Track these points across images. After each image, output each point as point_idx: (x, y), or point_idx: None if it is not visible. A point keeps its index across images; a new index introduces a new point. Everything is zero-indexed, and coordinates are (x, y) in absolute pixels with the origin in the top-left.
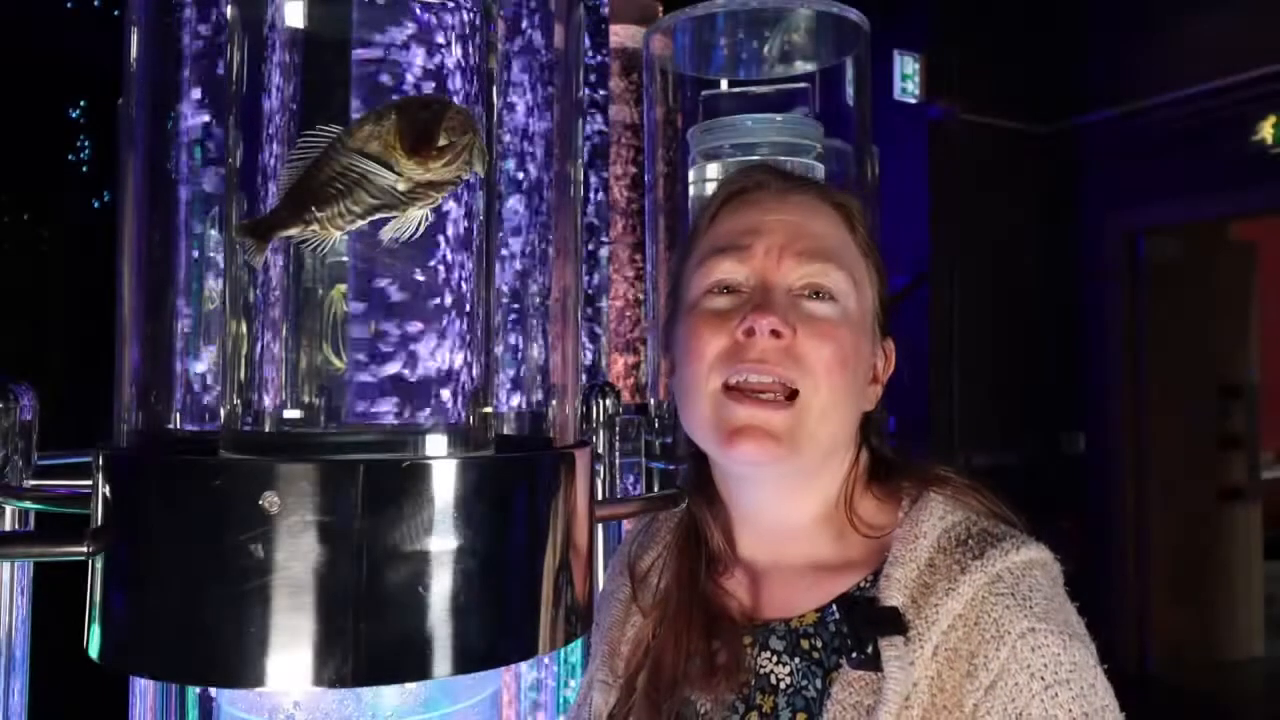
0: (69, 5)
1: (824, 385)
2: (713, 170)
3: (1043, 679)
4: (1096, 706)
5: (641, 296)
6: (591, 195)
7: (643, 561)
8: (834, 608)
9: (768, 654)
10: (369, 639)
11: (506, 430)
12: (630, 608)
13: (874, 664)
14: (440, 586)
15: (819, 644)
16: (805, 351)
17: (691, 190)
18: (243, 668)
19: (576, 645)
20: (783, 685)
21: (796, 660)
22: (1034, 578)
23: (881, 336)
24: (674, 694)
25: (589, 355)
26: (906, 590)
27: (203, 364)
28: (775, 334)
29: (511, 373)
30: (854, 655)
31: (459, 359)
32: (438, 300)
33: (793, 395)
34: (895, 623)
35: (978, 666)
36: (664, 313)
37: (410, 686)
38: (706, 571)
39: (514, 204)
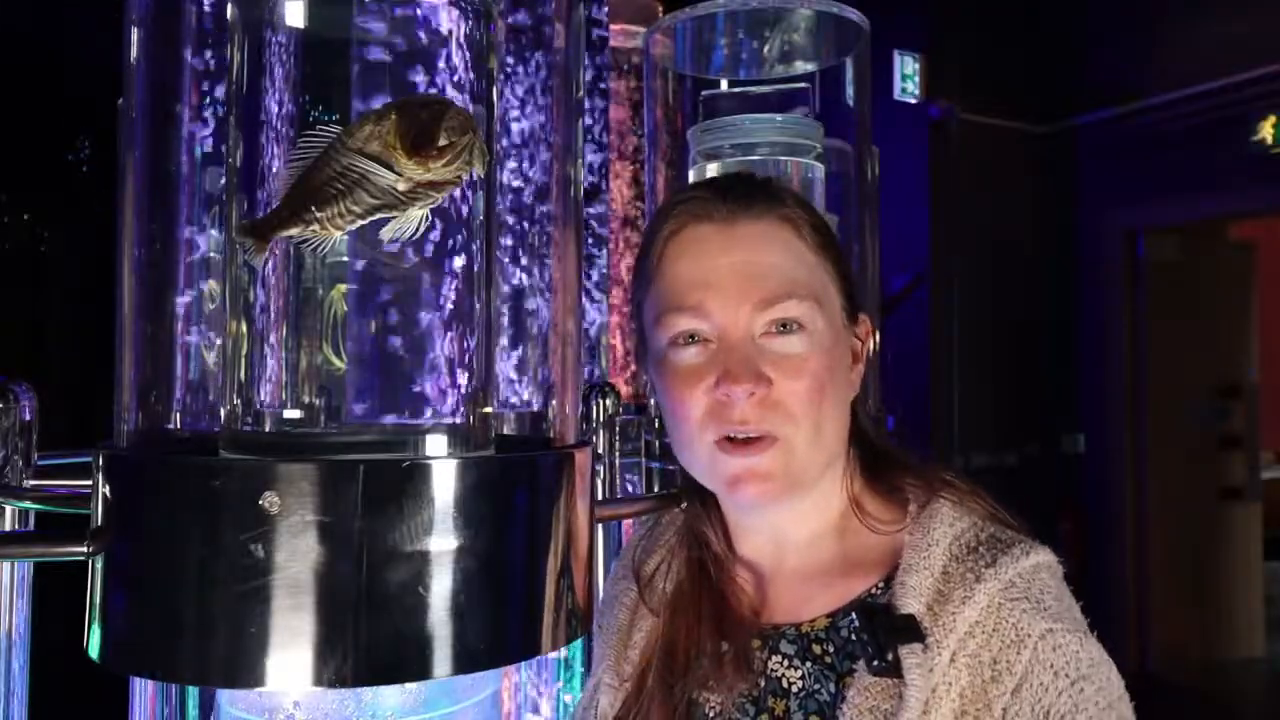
0: (69, 4)
1: (805, 423)
2: (713, 170)
3: (1067, 676)
4: (1115, 697)
5: None
6: (591, 195)
7: (647, 565)
8: (849, 615)
9: (778, 658)
10: (369, 639)
11: (506, 430)
12: (637, 610)
13: (894, 671)
14: (440, 587)
15: (831, 649)
16: (782, 395)
17: None
18: (243, 668)
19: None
20: (794, 689)
21: (808, 665)
22: (1043, 580)
23: (853, 321)
24: (685, 691)
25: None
26: (923, 598)
27: (203, 364)
28: (751, 392)
29: (512, 372)
30: (875, 663)
31: (459, 359)
32: (438, 300)
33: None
34: (914, 630)
35: (1001, 671)
36: (632, 333)
37: (410, 686)
38: (717, 567)
39: (514, 204)
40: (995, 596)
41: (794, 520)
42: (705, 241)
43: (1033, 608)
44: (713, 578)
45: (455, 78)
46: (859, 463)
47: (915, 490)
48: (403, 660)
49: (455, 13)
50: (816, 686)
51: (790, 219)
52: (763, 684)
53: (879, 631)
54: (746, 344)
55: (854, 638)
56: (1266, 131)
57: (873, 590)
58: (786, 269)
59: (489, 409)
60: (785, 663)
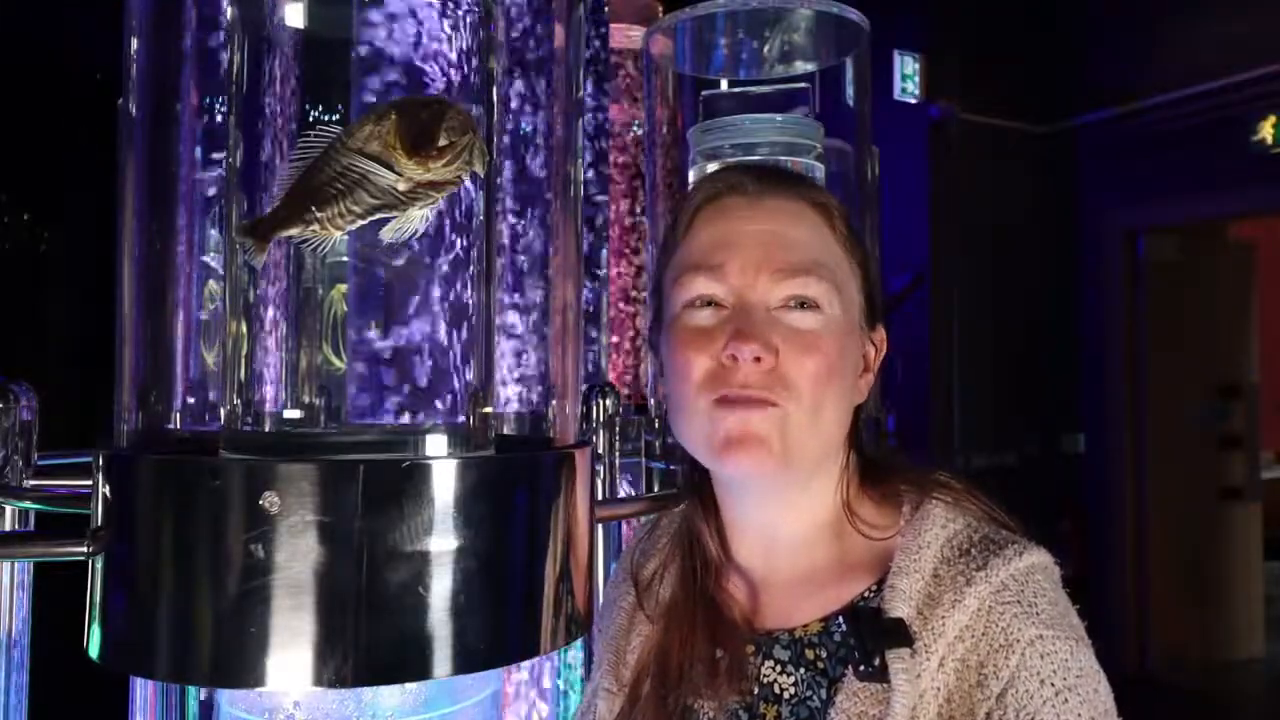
0: (69, 4)
1: (809, 399)
2: (712, 170)
3: (1053, 685)
4: (1101, 710)
5: (641, 296)
6: (591, 195)
7: (646, 569)
8: (840, 619)
9: (771, 663)
10: (369, 639)
11: (506, 430)
12: (635, 615)
13: (881, 676)
14: (440, 587)
15: (824, 654)
16: (789, 369)
17: None
18: (243, 668)
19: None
20: (786, 695)
21: (801, 671)
22: (1037, 583)
23: (870, 327)
24: (679, 700)
25: (589, 355)
26: (912, 602)
27: (203, 364)
28: (758, 359)
29: (512, 373)
30: (861, 668)
31: (459, 359)
32: (438, 300)
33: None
34: (902, 635)
35: (988, 676)
36: (649, 313)
37: (410, 686)
38: (707, 575)
39: (514, 204)
40: (986, 600)
41: (785, 517)
42: (734, 208)
43: (1024, 612)
44: (706, 589)
45: (455, 78)
46: (855, 470)
47: (909, 493)
48: (403, 660)
49: (455, 12)
50: (808, 693)
51: (825, 207)
52: (756, 690)
53: (866, 636)
54: (760, 311)
55: (845, 642)
56: (1266, 131)
57: (865, 594)
58: (812, 248)
59: (489, 409)
60: (778, 669)
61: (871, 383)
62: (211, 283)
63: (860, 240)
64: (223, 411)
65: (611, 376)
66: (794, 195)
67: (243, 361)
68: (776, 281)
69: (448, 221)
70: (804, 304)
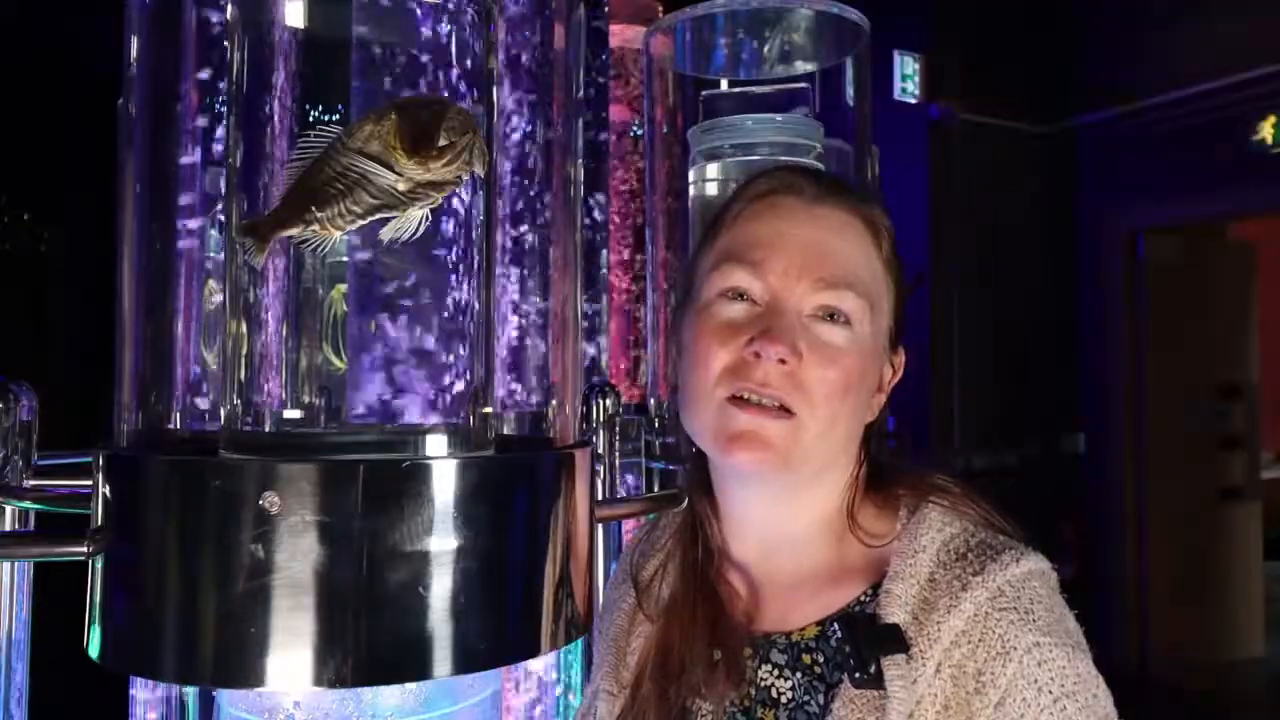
0: (69, 5)
1: (822, 411)
2: (713, 170)
3: (1050, 693)
4: (1101, 716)
5: (641, 297)
6: (591, 196)
7: (646, 570)
8: (835, 624)
9: (769, 667)
10: (369, 639)
11: (506, 430)
12: (635, 616)
13: (877, 682)
14: (440, 587)
15: (821, 659)
16: (809, 378)
17: (692, 190)
18: (243, 668)
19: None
20: (784, 700)
21: (799, 675)
22: (1034, 589)
23: (892, 350)
24: (679, 697)
25: (589, 355)
26: (908, 607)
27: (203, 364)
28: (782, 361)
29: (512, 373)
30: (857, 674)
31: (459, 359)
32: (438, 300)
33: (792, 412)
34: (897, 640)
35: (985, 684)
36: (676, 295)
37: (410, 686)
38: (710, 564)
39: (514, 204)
40: (983, 606)
41: (785, 515)
42: (786, 209)
43: (1020, 619)
44: (707, 580)
45: (455, 77)
46: (862, 482)
47: (907, 497)
48: (403, 660)
49: (455, 12)
50: (806, 698)
51: (875, 224)
52: (753, 693)
53: (861, 642)
54: (792, 315)
55: (841, 648)
56: (1266, 131)
57: (861, 598)
58: (855, 263)
59: (489, 409)
60: (776, 672)
61: (883, 403)
62: (211, 283)
63: (901, 263)
64: (223, 411)
65: (614, 364)
66: (848, 207)
67: (243, 361)
68: (814, 290)
69: (448, 221)
70: (835, 316)
